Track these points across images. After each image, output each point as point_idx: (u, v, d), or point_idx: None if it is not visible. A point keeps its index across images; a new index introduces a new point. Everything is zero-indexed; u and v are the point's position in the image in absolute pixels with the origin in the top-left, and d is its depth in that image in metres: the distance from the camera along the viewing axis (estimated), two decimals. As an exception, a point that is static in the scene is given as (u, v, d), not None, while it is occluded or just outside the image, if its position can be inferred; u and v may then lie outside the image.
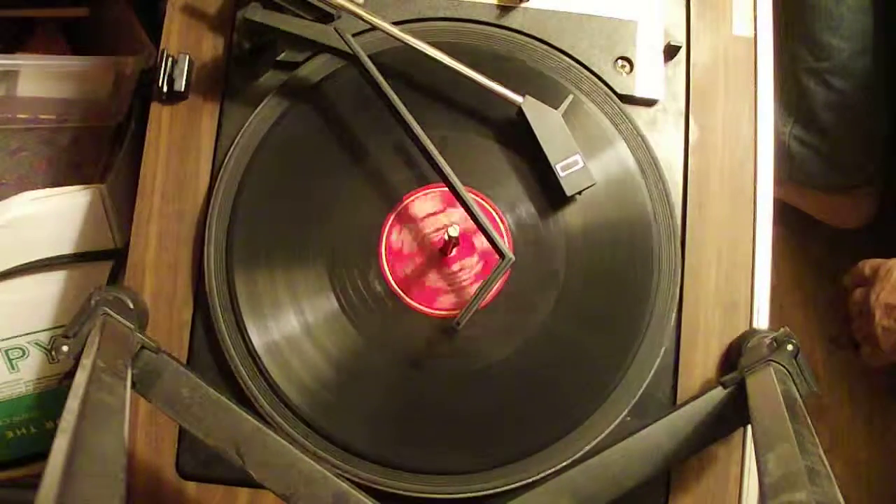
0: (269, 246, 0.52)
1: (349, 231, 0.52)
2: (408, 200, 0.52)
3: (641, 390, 0.51)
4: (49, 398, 0.65)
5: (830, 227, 1.03)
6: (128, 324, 0.45)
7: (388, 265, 0.51)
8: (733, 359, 0.51)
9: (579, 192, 0.51)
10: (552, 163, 0.50)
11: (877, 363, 0.71)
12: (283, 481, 0.44)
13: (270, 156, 0.53)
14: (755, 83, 0.56)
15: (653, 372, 0.51)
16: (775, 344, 0.48)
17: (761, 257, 0.53)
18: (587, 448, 0.50)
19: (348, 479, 0.45)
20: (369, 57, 0.50)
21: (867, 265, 0.72)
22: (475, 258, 0.52)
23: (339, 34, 0.50)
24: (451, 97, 0.53)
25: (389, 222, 0.52)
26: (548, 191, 0.52)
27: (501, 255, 0.48)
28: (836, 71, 0.89)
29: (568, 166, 0.50)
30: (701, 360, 0.52)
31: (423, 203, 0.52)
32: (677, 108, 0.55)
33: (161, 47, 0.54)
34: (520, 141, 0.52)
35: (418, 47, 0.50)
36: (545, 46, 0.55)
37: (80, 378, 0.37)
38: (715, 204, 0.54)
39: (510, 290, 0.51)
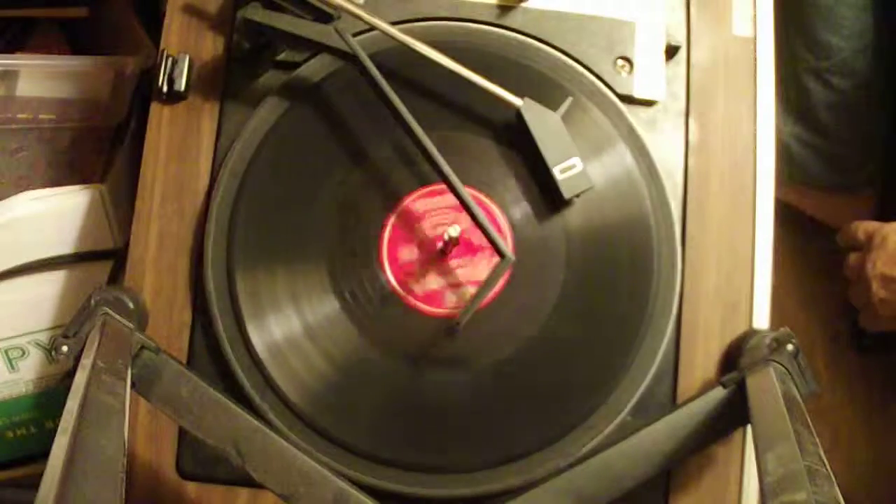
0: (269, 246, 0.52)
1: (349, 231, 0.52)
2: (408, 200, 0.52)
3: (641, 390, 0.51)
4: (49, 398, 0.65)
5: (830, 227, 1.03)
6: (128, 324, 0.45)
7: (388, 265, 0.51)
8: (733, 359, 0.51)
9: (577, 196, 0.51)
10: (550, 166, 0.50)
11: (875, 328, 0.70)
12: (283, 481, 0.44)
13: (270, 156, 0.53)
14: (755, 83, 0.56)
15: (653, 372, 0.51)
16: (775, 344, 0.48)
17: (761, 257, 0.53)
18: (587, 448, 0.50)
19: (348, 479, 0.45)
20: (369, 57, 0.50)
21: (860, 229, 0.71)
22: (475, 258, 0.52)
23: (339, 34, 0.50)
24: (451, 97, 0.53)
25: (390, 222, 0.52)
26: (548, 191, 0.52)
27: (501, 255, 0.48)
28: (836, 70, 0.89)
29: (566, 169, 0.50)
30: (701, 360, 0.52)
31: (424, 203, 0.52)
32: (677, 108, 0.55)
33: (161, 47, 0.54)
34: (520, 141, 0.52)
35: (417, 48, 0.50)
36: (545, 46, 0.55)
37: (80, 378, 0.37)
38: (715, 204, 0.54)
39: (510, 290, 0.51)
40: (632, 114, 0.54)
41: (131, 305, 0.48)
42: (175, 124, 0.54)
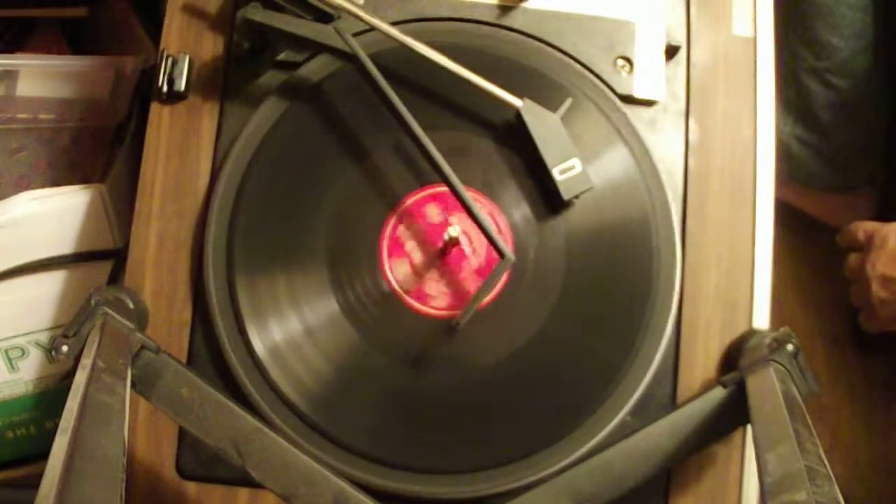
0: (269, 246, 0.52)
1: (349, 231, 0.52)
2: (408, 200, 0.52)
3: (641, 390, 0.51)
4: (49, 398, 0.65)
5: (830, 227, 1.03)
6: (128, 324, 0.45)
7: (388, 265, 0.51)
8: (733, 359, 0.51)
9: (576, 196, 0.51)
10: (549, 167, 0.50)
11: (875, 329, 0.70)
12: (283, 481, 0.44)
13: (270, 156, 0.53)
14: (755, 83, 0.56)
15: (653, 372, 0.51)
16: (775, 344, 0.48)
17: (761, 257, 0.53)
18: (587, 448, 0.50)
19: (348, 479, 0.45)
20: (369, 57, 0.50)
21: (860, 230, 0.71)
22: (475, 258, 0.52)
23: (339, 34, 0.50)
24: (451, 97, 0.53)
25: (390, 222, 0.52)
26: (548, 191, 0.52)
27: (501, 255, 0.48)
28: (836, 70, 0.89)
29: (565, 170, 0.50)
30: (701, 360, 0.52)
31: (423, 203, 0.52)
32: (677, 108, 0.55)
33: (161, 47, 0.54)
34: (520, 141, 0.52)
35: (417, 49, 0.50)
36: (545, 46, 0.55)
37: (80, 378, 0.37)
38: (715, 204, 0.54)
39: (510, 290, 0.51)
40: (632, 114, 0.54)
41: (131, 305, 0.48)
42: (175, 124, 0.54)
